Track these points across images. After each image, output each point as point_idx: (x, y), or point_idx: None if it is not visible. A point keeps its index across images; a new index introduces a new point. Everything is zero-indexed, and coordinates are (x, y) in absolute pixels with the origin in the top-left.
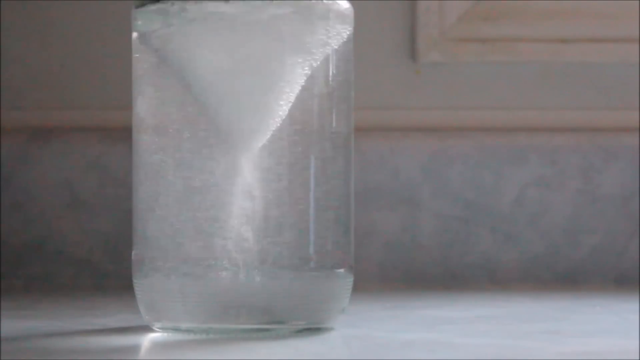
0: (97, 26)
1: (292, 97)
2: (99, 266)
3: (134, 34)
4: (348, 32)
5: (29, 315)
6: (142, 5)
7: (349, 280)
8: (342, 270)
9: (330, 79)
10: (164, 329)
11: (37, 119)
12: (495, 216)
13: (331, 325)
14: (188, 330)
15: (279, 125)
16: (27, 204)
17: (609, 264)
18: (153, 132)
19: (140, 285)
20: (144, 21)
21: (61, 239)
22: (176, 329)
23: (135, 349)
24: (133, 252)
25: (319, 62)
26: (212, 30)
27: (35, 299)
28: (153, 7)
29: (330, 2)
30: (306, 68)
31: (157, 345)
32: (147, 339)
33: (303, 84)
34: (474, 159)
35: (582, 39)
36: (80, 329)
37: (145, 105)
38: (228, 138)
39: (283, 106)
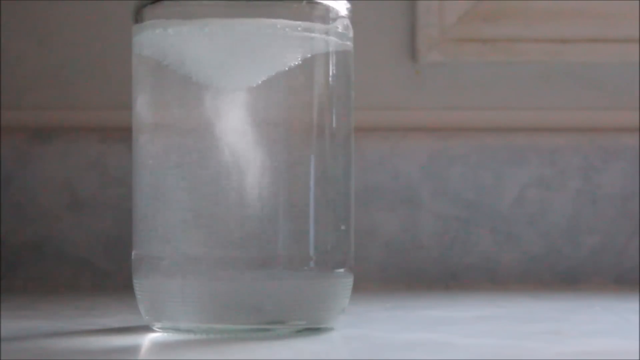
0: (97, 26)
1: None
2: (99, 266)
3: (134, 34)
4: (348, 32)
5: (29, 315)
6: (143, 5)
7: (349, 280)
8: (342, 270)
9: (330, 79)
10: (164, 329)
11: (37, 119)
12: (495, 216)
13: (331, 325)
14: (188, 330)
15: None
16: (27, 204)
17: (609, 264)
18: (153, 132)
19: (140, 285)
20: (144, 22)
21: (61, 239)
22: (176, 329)
23: (135, 349)
24: (133, 252)
25: (318, 63)
26: (211, 30)
27: (35, 299)
28: (153, 7)
29: (330, 2)
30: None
31: (157, 345)
32: (147, 339)
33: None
34: (474, 159)
35: (582, 39)
36: (80, 329)
37: (145, 105)
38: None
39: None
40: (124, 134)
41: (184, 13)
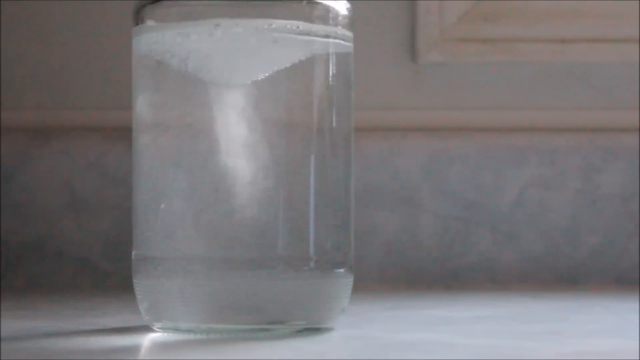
0: (97, 26)
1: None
2: (99, 266)
3: (134, 34)
4: (348, 33)
5: (29, 315)
6: (143, 6)
7: (349, 280)
8: (342, 270)
9: (330, 79)
10: (164, 329)
11: (37, 119)
12: (495, 216)
13: (331, 325)
14: (188, 330)
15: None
16: (27, 204)
17: (609, 264)
18: (153, 132)
19: (140, 285)
20: (144, 22)
21: (61, 239)
22: (176, 329)
23: (135, 349)
24: (133, 252)
25: (319, 63)
26: (210, 31)
27: (35, 299)
28: (153, 7)
29: (330, 2)
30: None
31: (157, 345)
32: (147, 339)
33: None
34: (474, 159)
35: (582, 39)
36: (80, 329)
37: (145, 105)
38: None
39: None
40: (124, 134)
41: (184, 13)
